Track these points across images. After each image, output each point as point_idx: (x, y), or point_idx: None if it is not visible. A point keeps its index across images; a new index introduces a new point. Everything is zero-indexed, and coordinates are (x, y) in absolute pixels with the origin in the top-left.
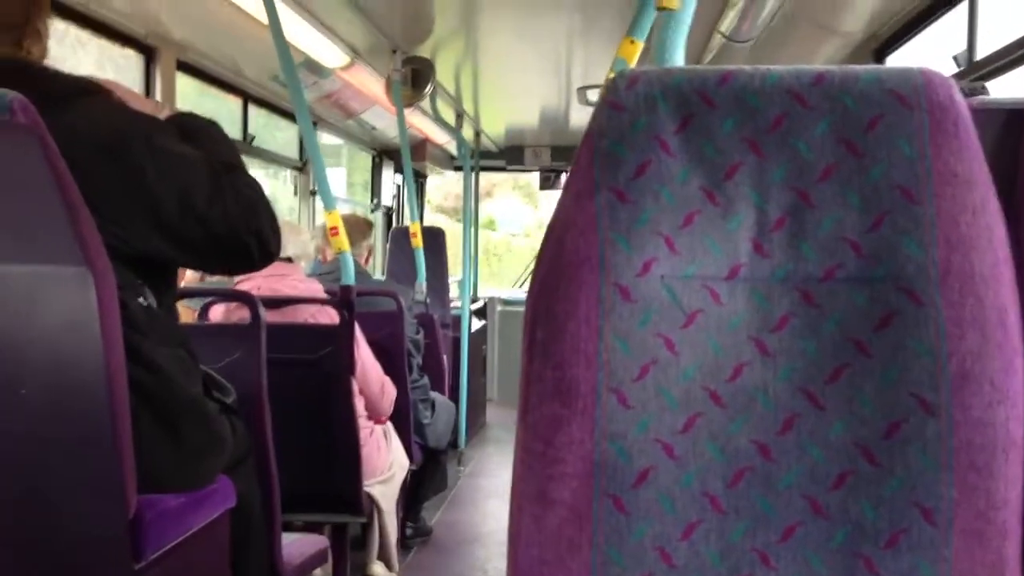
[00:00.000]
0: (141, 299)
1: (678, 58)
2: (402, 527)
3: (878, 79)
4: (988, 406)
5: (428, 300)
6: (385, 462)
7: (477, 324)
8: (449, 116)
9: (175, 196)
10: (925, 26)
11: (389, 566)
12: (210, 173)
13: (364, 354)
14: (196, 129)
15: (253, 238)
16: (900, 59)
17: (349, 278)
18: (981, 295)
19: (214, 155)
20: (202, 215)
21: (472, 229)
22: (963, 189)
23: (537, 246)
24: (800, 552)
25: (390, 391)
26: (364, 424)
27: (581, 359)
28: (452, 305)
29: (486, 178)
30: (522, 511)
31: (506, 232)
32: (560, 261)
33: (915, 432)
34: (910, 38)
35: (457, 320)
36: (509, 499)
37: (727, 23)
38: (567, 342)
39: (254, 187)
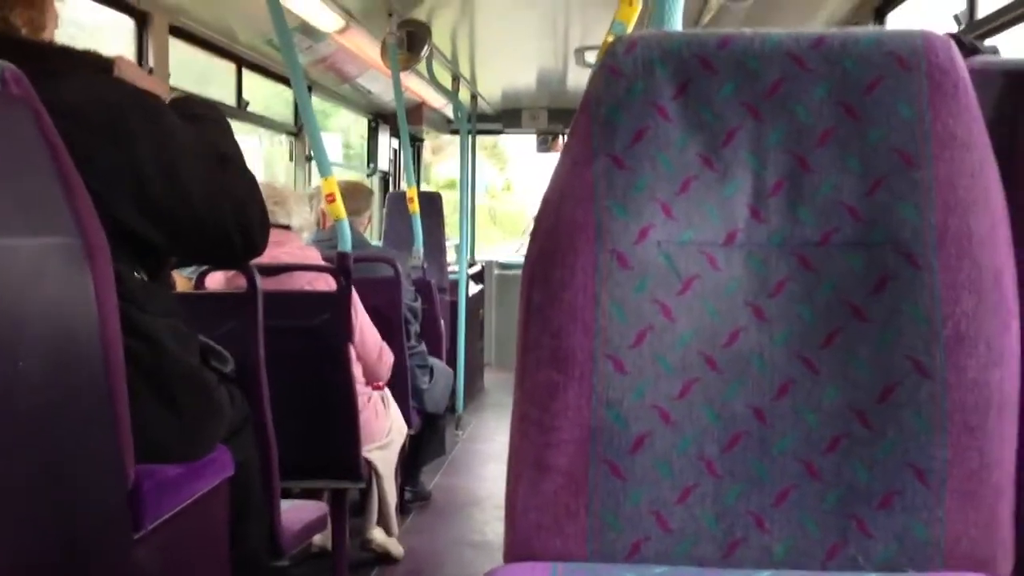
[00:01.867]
0: (136, 273)
1: (677, 21)
2: (401, 492)
3: (878, 41)
4: (983, 367)
5: (425, 265)
6: (383, 428)
7: (475, 288)
8: (445, 79)
9: (165, 175)
10: None
11: (388, 531)
12: (205, 159)
13: (362, 320)
14: (198, 115)
15: (239, 234)
16: (901, 17)
17: (346, 245)
18: (977, 258)
19: (212, 143)
20: (189, 200)
21: (469, 193)
22: (961, 152)
23: (504, 208)
24: (793, 514)
25: (387, 357)
26: (362, 390)
27: (578, 326)
28: (450, 270)
29: (443, 136)
30: (519, 478)
31: None
32: (557, 229)
33: (909, 395)
34: None
35: (455, 285)
36: (507, 464)
37: None
38: (564, 309)
39: (249, 181)
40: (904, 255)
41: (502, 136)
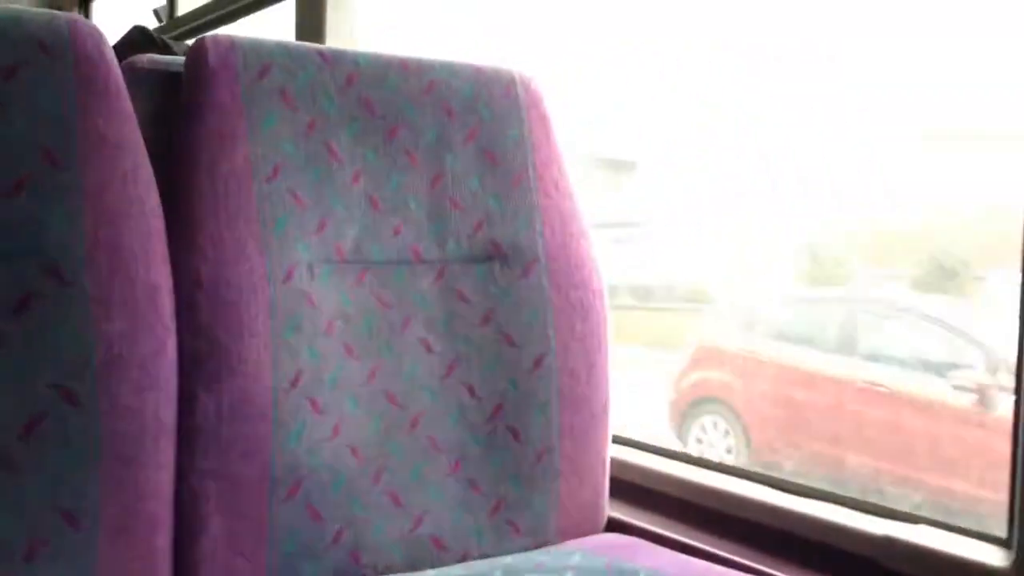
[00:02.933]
0: None
1: None
2: None
3: (19, 21)
4: (138, 392)
5: None
6: None
7: None
8: None
9: None
10: None
11: None
12: None
13: None
14: None
15: None
16: (105, 7)
17: None
18: (132, 272)
19: None
20: None
21: None
22: (113, 154)
23: None
24: None
25: None
26: None
27: None
28: None
29: None
30: None
31: None
32: None
33: (57, 427)
34: None
35: None
36: None
37: None
38: None
39: None
40: (51, 270)
41: None
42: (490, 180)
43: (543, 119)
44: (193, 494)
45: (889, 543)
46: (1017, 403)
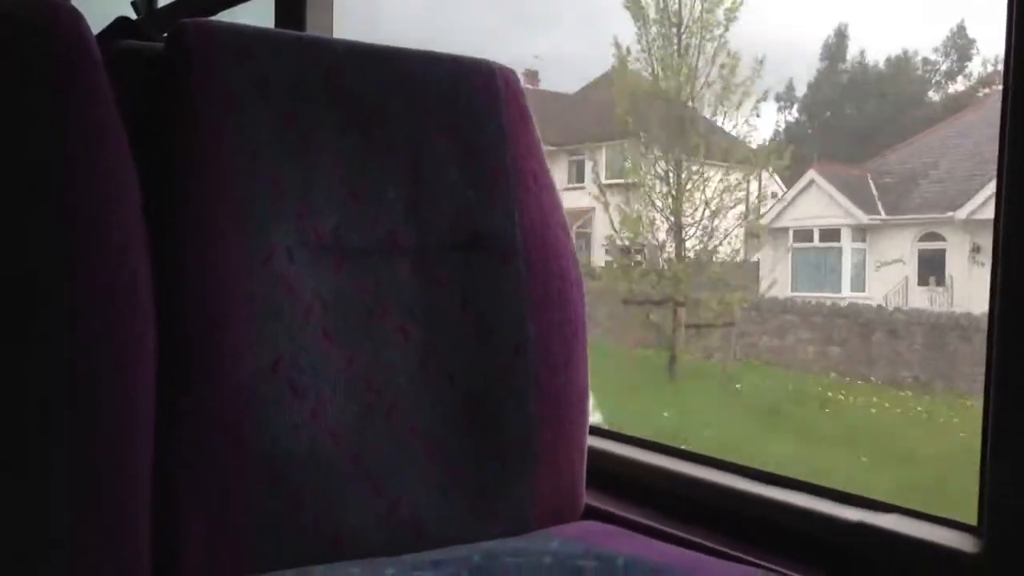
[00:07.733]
0: None
1: None
2: None
3: None
4: (119, 376)
5: None
6: None
7: None
8: None
9: None
10: None
11: None
12: None
13: None
14: None
15: None
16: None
17: None
18: (112, 257)
19: None
20: None
21: None
22: (94, 137)
23: None
24: None
25: None
26: None
27: None
28: None
29: None
30: None
31: None
32: None
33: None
34: None
35: None
36: None
37: None
38: None
39: None
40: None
41: None
42: (468, 171)
43: (522, 112)
44: (171, 478)
45: (862, 530)
46: (986, 398)
